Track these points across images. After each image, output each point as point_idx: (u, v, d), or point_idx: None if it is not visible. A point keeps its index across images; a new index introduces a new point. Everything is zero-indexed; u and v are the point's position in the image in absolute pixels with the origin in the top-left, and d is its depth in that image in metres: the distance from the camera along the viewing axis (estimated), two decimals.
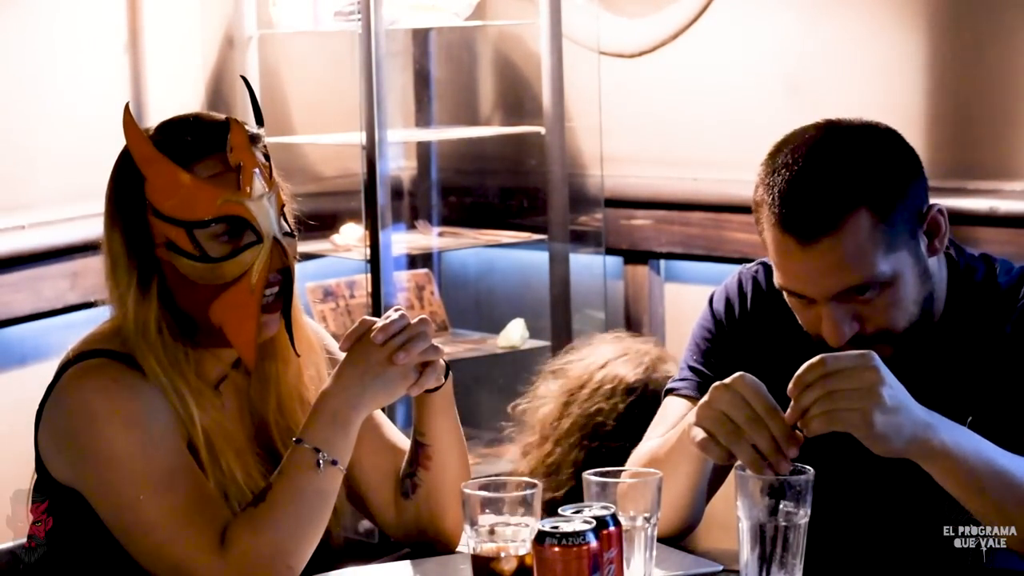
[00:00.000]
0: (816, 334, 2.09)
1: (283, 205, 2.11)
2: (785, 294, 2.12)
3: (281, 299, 2.09)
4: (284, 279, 2.08)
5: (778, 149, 2.09)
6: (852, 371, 1.87)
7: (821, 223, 2.02)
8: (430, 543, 2.20)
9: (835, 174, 2.04)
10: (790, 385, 1.89)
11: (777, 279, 2.10)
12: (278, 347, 2.14)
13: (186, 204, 2.04)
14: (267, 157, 2.11)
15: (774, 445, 1.88)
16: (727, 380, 1.93)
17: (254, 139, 2.10)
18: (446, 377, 2.14)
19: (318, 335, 2.25)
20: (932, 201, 2.10)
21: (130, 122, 2.07)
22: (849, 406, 1.86)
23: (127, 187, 2.08)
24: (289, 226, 2.12)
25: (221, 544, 1.98)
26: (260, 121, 2.15)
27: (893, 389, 1.87)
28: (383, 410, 2.26)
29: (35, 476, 2.11)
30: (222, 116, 2.10)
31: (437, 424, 2.17)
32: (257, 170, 2.07)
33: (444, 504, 2.18)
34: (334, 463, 2.03)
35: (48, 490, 2.09)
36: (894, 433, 1.87)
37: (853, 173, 2.04)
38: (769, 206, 2.05)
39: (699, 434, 1.93)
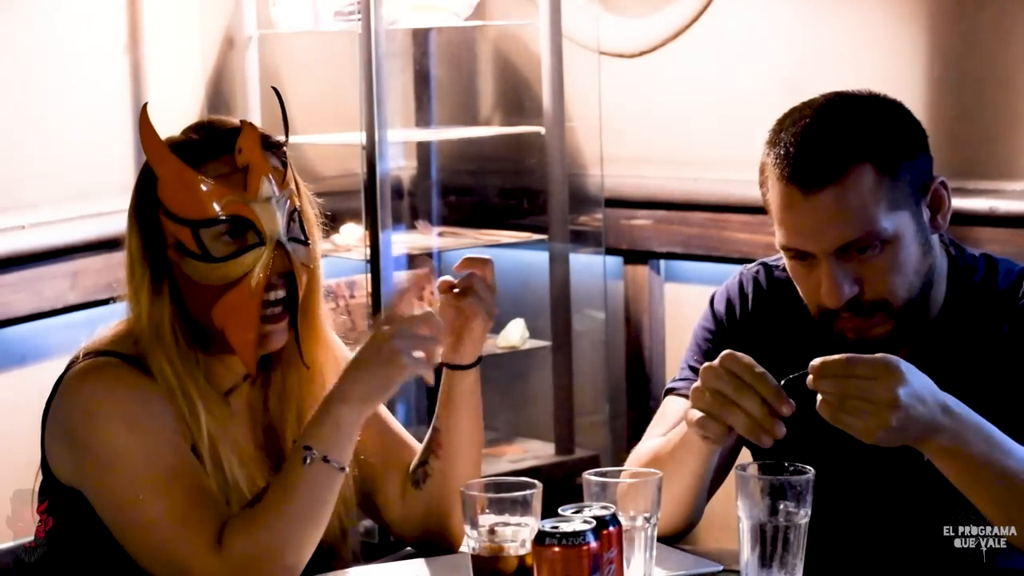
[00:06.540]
0: (818, 307, 2.09)
1: (294, 210, 2.10)
2: (786, 260, 2.13)
3: (288, 311, 2.08)
4: (290, 285, 2.08)
5: (786, 115, 2.12)
6: (871, 384, 1.86)
7: (825, 172, 2.04)
8: (434, 542, 2.20)
9: (842, 129, 2.06)
10: (811, 375, 1.88)
11: (779, 239, 2.10)
12: (299, 362, 2.14)
13: (193, 203, 2.05)
14: (285, 164, 2.11)
15: (766, 409, 1.89)
16: (715, 360, 1.94)
17: (273, 145, 2.11)
18: (477, 363, 2.20)
19: (342, 352, 2.23)
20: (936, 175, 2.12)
21: (145, 121, 2.07)
22: (855, 420, 1.86)
23: (145, 188, 2.09)
24: (304, 233, 2.11)
25: (218, 544, 1.98)
26: (286, 130, 2.15)
27: (903, 411, 1.86)
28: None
29: (39, 476, 2.11)
30: (237, 121, 2.11)
31: (455, 411, 2.18)
32: (270, 174, 2.07)
33: (452, 500, 2.16)
34: (325, 460, 2.00)
35: (50, 490, 2.09)
36: (890, 443, 1.89)
37: (860, 129, 2.07)
38: (774, 161, 2.07)
39: (695, 414, 1.95)
